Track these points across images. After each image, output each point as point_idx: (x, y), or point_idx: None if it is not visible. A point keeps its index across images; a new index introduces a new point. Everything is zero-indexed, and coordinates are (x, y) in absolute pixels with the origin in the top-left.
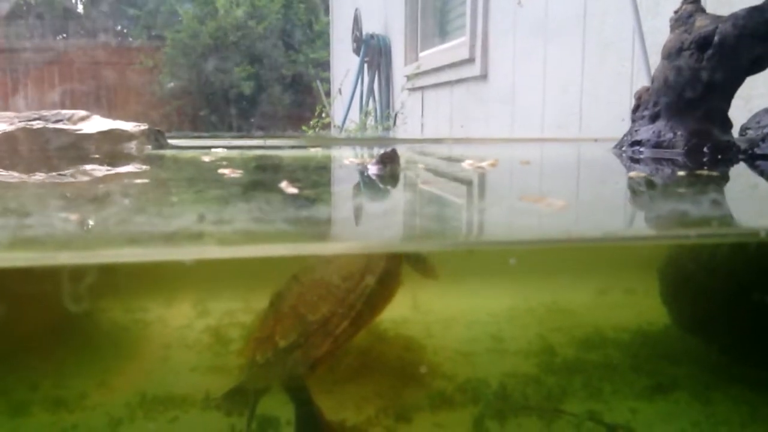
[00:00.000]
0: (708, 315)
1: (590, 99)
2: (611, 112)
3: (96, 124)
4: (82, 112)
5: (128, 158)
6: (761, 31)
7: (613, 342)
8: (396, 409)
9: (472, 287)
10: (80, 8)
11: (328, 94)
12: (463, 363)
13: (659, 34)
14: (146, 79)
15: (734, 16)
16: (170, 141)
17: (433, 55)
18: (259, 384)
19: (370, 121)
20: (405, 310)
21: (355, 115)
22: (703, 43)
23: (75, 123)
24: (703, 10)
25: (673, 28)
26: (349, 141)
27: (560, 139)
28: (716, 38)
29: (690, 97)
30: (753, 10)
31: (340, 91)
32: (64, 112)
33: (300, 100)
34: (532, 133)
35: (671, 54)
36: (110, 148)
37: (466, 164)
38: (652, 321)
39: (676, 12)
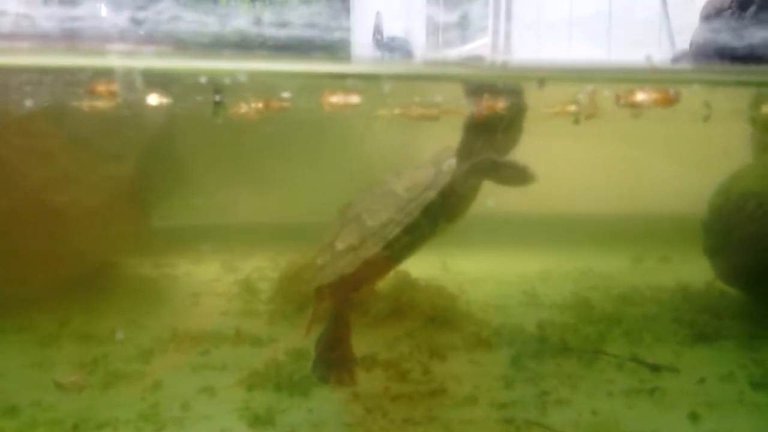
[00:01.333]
0: (754, 266)
1: None
2: None
3: None
4: None
5: None
6: None
7: (652, 299)
8: (430, 347)
9: (501, 254)
10: None
11: None
12: (497, 313)
13: (687, 33)
14: None
15: None
16: None
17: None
18: (315, 284)
19: None
20: (435, 272)
21: None
22: (744, 2)
23: None
24: None
25: None
26: None
27: None
28: None
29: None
30: None
31: None
32: None
33: None
34: None
35: (710, 15)
36: None
37: None
38: (692, 281)
39: None
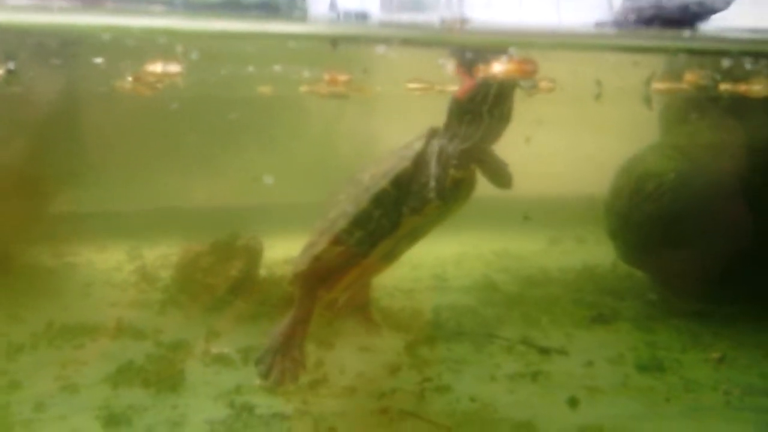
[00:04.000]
0: (651, 246)
1: None
2: None
3: None
4: None
5: None
6: None
7: (558, 280)
8: (322, 336)
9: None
10: None
11: None
12: (401, 297)
13: None
14: None
15: None
16: None
17: None
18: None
19: None
20: None
21: None
22: None
23: None
24: None
25: None
26: None
27: None
28: None
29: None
30: None
31: None
32: None
33: None
34: None
35: None
36: None
37: None
38: (599, 263)
39: None
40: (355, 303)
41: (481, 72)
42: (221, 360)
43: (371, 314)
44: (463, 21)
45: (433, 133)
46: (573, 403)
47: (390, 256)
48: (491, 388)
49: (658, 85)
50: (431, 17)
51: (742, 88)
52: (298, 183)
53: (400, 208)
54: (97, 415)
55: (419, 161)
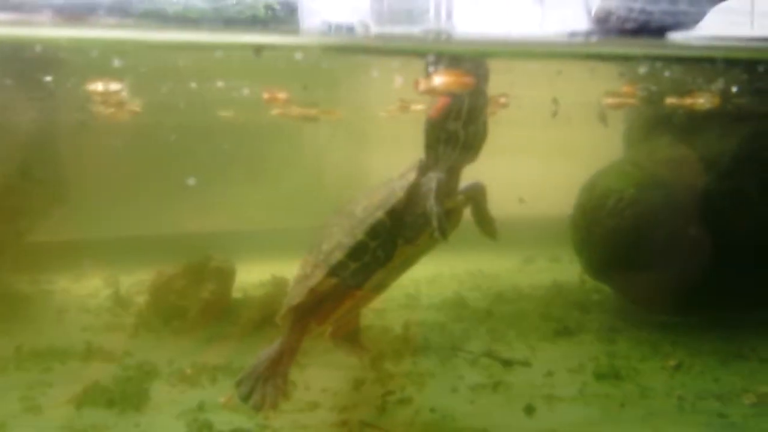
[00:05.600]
0: (613, 260)
1: None
2: None
3: None
4: None
5: None
6: None
7: (528, 297)
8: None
9: None
10: None
11: None
12: (372, 316)
13: None
14: None
15: None
16: None
17: None
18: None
19: None
20: None
21: None
22: None
23: None
24: None
25: None
26: None
27: None
28: None
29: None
30: None
31: None
32: None
33: None
34: None
35: None
36: None
37: None
38: (569, 279)
39: None
40: (344, 332)
41: (423, 85)
42: (188, 379)
43: (362, 342)
44: (439, 32)
45: (424, 164)
46: (529, 410)
47: (380, 287)
48: (452, 399)
49: (609, 100)
50: (420, 28)
51: (687, 101)
52: (274, 210)
53: (394, 239)
54: None
55: (412, 192)
